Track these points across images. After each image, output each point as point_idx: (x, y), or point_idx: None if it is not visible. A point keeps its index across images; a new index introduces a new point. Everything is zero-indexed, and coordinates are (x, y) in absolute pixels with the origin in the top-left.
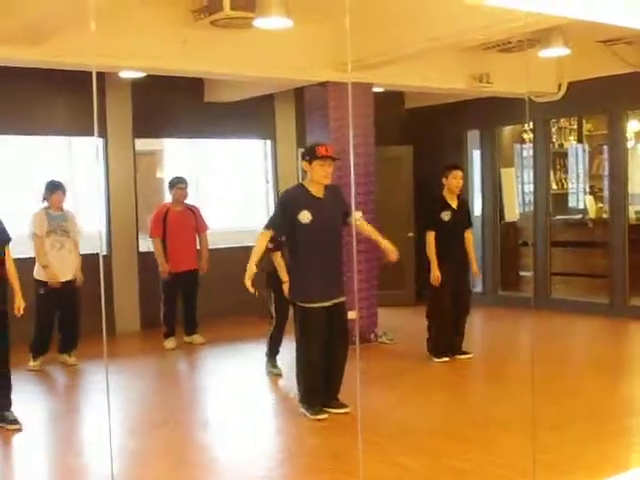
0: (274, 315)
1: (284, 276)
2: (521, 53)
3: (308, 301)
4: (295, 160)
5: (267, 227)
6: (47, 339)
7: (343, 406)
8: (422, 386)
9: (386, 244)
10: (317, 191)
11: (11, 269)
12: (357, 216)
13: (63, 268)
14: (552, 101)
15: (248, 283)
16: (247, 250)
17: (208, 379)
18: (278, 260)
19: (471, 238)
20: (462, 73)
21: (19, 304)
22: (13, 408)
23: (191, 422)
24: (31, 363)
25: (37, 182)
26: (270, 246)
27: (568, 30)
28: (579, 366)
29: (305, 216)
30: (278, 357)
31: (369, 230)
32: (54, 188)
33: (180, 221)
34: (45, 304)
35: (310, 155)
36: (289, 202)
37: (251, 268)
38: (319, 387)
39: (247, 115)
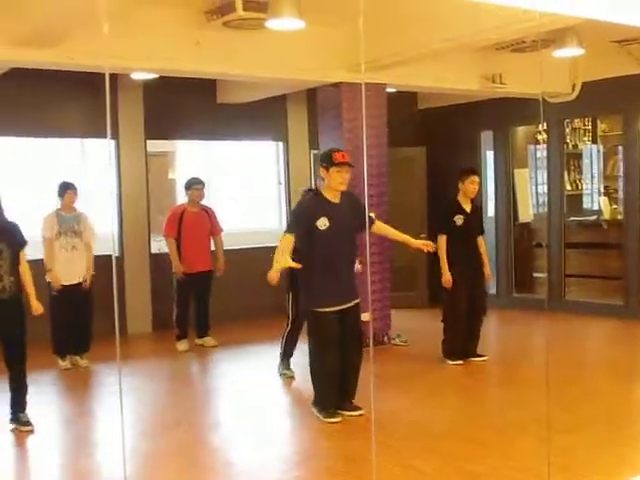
0: (291, 317)
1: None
2: (534, 53)
3: (321, 306)
4: (308, 162)
5: (289, 232)
6: (65, 338)
7: (357, 409)
8: (436, 389)
9: (410, 239)
10: (333, 197)
11: (26, 273)
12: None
13: (74, 270)
14: (566, 101)
15: (275, 275)
16: (259, 251)
17: (220, 381)
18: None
19: (483, 244)
20: (475, 73)
21: (35, 306)
22: (27, 410)
23: (204, 424)
24: (61, 363)
25: (50, 184)
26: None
27: (582, 30)
28: (594, 369)
29: (323, 222)
30: (292, 359)
31: (389, 231)
32: (66, 189)
33: (196, 222)
34: (58, 306)
35: (327, 161)
36: (307, 210)
37: (284, 261)
38: (332, 390)
39: (259, 116)
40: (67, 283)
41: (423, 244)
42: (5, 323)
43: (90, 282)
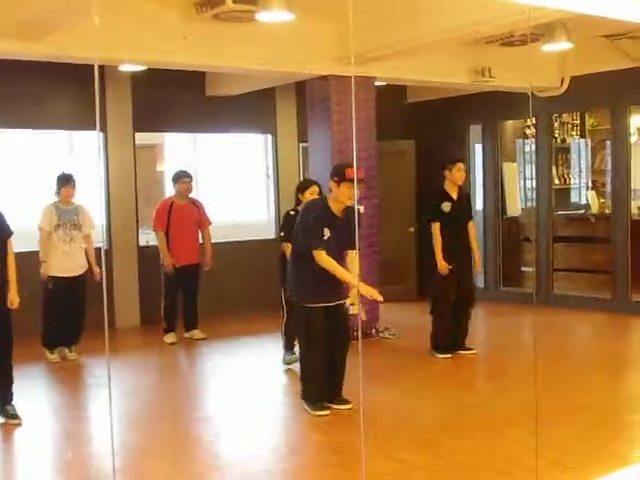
0: (285, 307)
1: None
2: (523, 47)
3: (309, 302)
4: (296, 154)
5: (317, 246)
6: (58, 331)
7: (346, 402)
8: (424, 382)
9: (353, 282)
10: (338, 210)
11: (11, 263)
12: (352, 254)
13: (72, 262)
14: (554, 96)
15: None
16: (248, 244)
17: (209, 374)
18: (288, 249)
19: (473, 229)
20: (464, 67)
21: (12, 298)
22: (15, 403)
23: (192, 417)
24: (49, 356)
25: (38, 176)
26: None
27: (571, 24)
28: (582, 362)
29: (325, 233)
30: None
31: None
32: (64, 182)
33: (184, 215)
34: (53, 298)
35: (339, 176)
36: (320, 217)
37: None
38: (321, 384)
39: (248, 109)
40: (64, 275)
41: (369, 293)
42: None
43: (96, 274)
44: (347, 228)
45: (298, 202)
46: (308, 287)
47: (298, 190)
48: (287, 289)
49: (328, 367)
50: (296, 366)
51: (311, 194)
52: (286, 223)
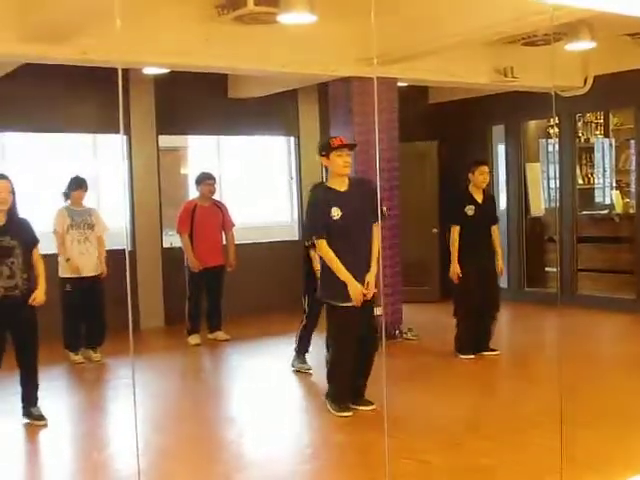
0: (306, 312)
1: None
2: (546, 47)
3: (338, 300)
4: (319, 156)
5: (318, 234)
6: (78, 332)
7: (369, 403)
8: (448, 383)
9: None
10: (341, 185)
11: (40, 269)
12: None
13: (86, 262)
14: (578, 95)
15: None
16: (271, 246)
17: (232, 375)
18: (313, 254)
19: (497, 233)
20: (486, 67)
21: (37, 294)
22: (40, 404)
23: (216, 418)
24: (73, 357)
25: (63, 180)
26: (307, 244)
27: (594, 23)
28: (607, 363)
29: (335, 212)
30: (307, 354)
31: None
32: (76, 185)
33: (207, 217)
34: (71, 300)
35: (326, 149)
36: (320, 202)
37: (355, 284)
38: (347, 385)
39: (271, 111)
40: (81, 276)
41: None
42: (17, 320)
43: (103, 275)
44: (360, 199)
45: None
46: (333, 283)
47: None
48: (309, 294)
49: (354, 368)
50: (321, 367)
51: None
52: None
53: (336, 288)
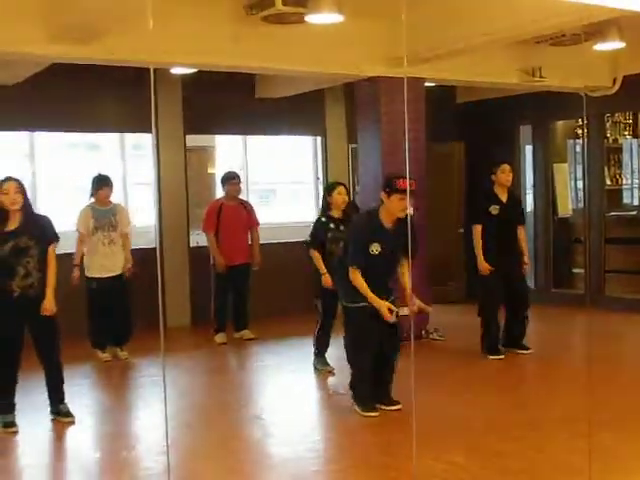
0: (321, 315)
1: (322, 268)
2: (575, 46)
3: (359, 300)
4: (346, 157)
5: (355, 265)
6: (104, 331)
7: (395, 403)
8: (474, 384)
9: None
10: (389, 221)
11: (51, 269)
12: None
13: (113, 263)
14: (607, 95)
15: (386, 311)
16: (297, 245)
17: (259, 374)
18: (315, 255)
19: (524, 233)
20: (514, 67)
21: (49, 306)
22: (68, 402)
23: (242, 417)
24: (101, 355)
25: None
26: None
27: (623, 23)
28: (635, 365)
29: (375, 248)
30: (329, 354)
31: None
32: (100, 183)
33: (233, 216)
34: (97, 299)
35: (389, 187)
36: (362, 233)
37: (373, 299)
38: (369, 386)
39: (298, 111)
40: (105, 275)
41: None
42: (34, 319)
43: (129, 272)
44: (399, 240)
45: (327, 205)
46: (351, 286)
47: (326, 192)
48: (321, 295)
49: (378, 368)
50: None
51: (339, 194)
52: (315, 230)
53: (353, 290)
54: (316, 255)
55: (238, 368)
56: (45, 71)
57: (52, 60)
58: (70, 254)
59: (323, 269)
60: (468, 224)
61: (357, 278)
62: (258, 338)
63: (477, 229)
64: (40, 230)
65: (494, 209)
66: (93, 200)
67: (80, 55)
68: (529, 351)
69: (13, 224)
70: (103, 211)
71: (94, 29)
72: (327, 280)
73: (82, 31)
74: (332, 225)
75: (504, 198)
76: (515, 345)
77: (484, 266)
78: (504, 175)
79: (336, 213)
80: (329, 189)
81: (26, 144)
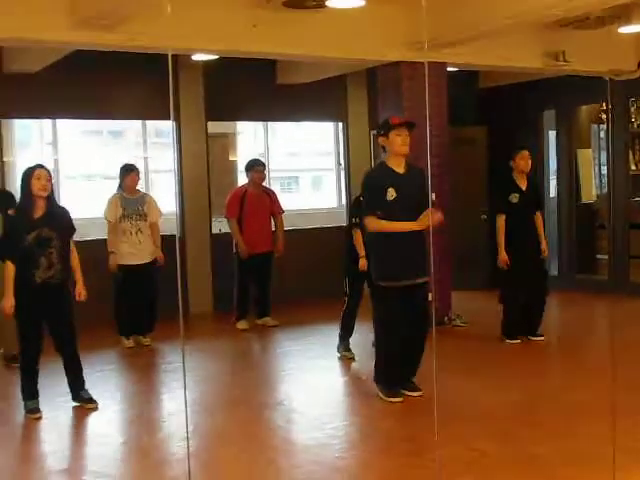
0: (348, 294)
1: (361, 251)
2: (598, 30)
3: (391, 279)
4: (368, 142)
5: (371, 213)
6: (130, 319)
7: (417, 389)
8: (497, 370)
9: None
10: (398, 166)
11: (75, 260)
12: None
13: (140, 251)
14: (631, 79)
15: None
16: (319, 232)
17: (281, 361)
18: (357, 236)
19: (541, 220)
20: (538, 51)
21: (80, 292)
22: (91, 388)
23: (264, 403)
24: (125, 342)
25: (113, 165)
26: (354, 221)
27: None
28: None
29: (390, 193)
30: (352, 340)
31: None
32: (128, 171)
33: (257, 203)
34: (125, 287)
35: (385, 127)
36: (376, 182)
37: (401, 226)
38: (397, 369)
39: (319, 97)
40: (133, 263)
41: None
42: (53, 308)
43: (160, 261)
44: (415, 189)
45: None
46: (383, 264)
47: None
48: (349, 274)
49: (406, 351)
50: (367, 353)
51: None
52: (356, 209)
53: (384, 268)
54: (358, 235)
55: (260, 354)
56: (67, 58)
57: (74, 47)
58: (91, 241)
59: (362, 251)
60: (491, 213)
61: (373, 221)
62: (280, 325)
63: (500, 219)
64: (61, 222)
65: (514, 197)
66: (122, 189)
67: (102, 42)
68: (541, 338)
69: (38, 212)
70: (131, 200)
71: (116, 16)
72: (363, 263)
73: (104, 18)
74: None
75: (523, 186)
76: (530, 332)
77: (503, 259)
78: (523, 162)
79: None
80: None
81: (49, 131)
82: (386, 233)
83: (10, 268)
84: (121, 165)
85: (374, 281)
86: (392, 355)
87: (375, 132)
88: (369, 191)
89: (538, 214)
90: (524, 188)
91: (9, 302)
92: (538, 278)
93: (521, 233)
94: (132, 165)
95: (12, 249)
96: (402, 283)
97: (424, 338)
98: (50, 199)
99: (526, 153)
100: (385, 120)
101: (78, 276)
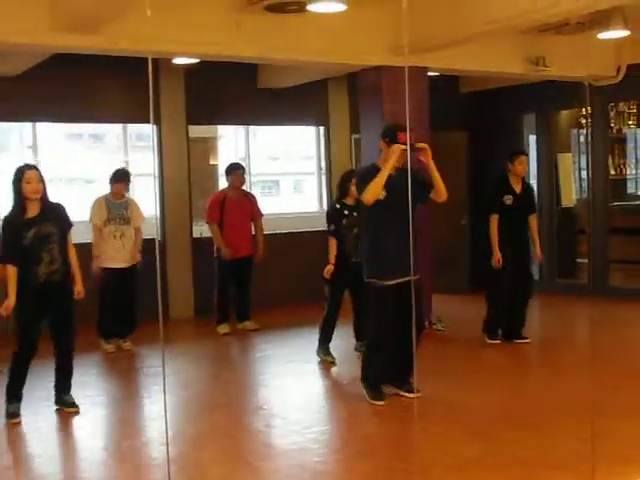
0: (328, 298)
1: (332, 258)
2: (579, 35)
3: (383, 278)
4: (349, 146)
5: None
6: (112, 322)
7: (415, 390)
8: (478, 373)
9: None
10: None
11: (73, 255)
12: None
13: (123, 255)
14: (611, 84)
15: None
16: (300, 236)
17: (261, 365)
18: (331, 243)
19: (535, 222)
20: (518, 56)
21: (79, 288)
22: (72, 393)
23: (245, 407)
24: (105, 346)
25: (94, 169)
26: (329, 229)
27: (628, 11)
28: (638, 354)
29: (381, 193)
30: (332, 344)
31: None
32: (118, 178)
33: (237, 207)
34: (108, 289)
35: (391, 137)
36: (369, 176)
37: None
38: (383, 370)
39: (300, 101)
40: (116, 266)
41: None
42: (55, 305)
43: (139, 264)
44: (405, 184)
45: (344, 192)
46: (376, 261)
47: (342, 181)
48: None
49: (401, 352)
50: (347, 357)
51: (354, 184)
52: (332, 215)
53: (378, 265)
54: (332, 242)
55: (240, 358)
56: (47, 62)
57: (54, 50)
58: (81, 244)
59: (332, 259)
60: (483, 213)
61: (368, 191)
62: (261, 329)
63: (494, 219)
64: (59, 217)
65: (508, 199)
66: (108, 192)
67: (83, 45)
68: (527, 340)
69: (33, 212)
70: (116, 204)
71: (96, 19)
72: (329, 271)
73: (84, 21)
74: (346, 212)
75: (518, 188)
76: (514, 336)
77: (498, 257)
78: (521, 166)
79: (350, 201)
80: (346, 178)
81: (29, 135)
82: (376, 231)
83: (11, 270)
84: (115, 170)
85: (366, 279)
86: (380, 356)
87: (380, 136)
88: (363, 183)
89: (532, 217)
90: (518, 191)
91: (11, 302)
92: (524, 280)
93: (512, 235)
94: (125, 171)
95: (12, 251)
96: (392, 281)
97: (418, 337)
98: (44, 198)
99: (524, 158)
100: (393, 130)
101: (76, 273)
